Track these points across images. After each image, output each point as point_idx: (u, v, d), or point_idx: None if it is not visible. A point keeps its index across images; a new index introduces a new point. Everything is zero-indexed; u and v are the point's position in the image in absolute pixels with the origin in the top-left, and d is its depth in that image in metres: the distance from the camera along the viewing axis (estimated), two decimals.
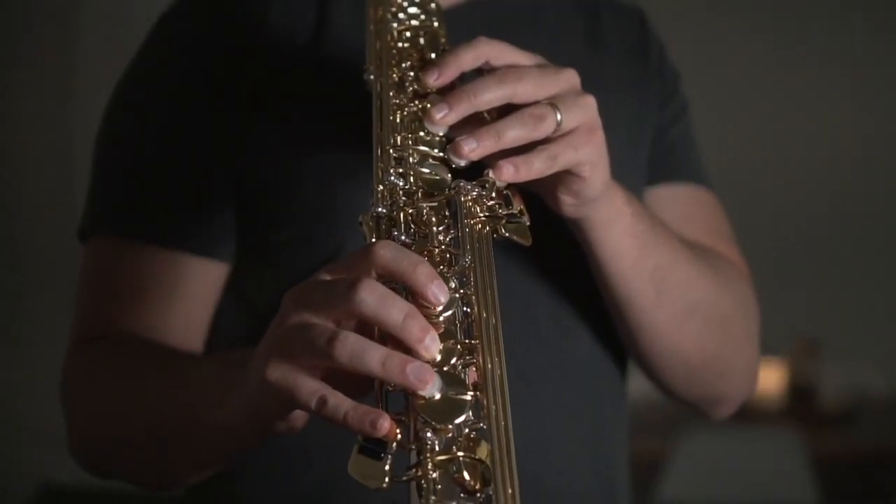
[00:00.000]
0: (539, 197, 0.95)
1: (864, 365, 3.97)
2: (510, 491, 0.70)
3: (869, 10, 4.16)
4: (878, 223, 4.23)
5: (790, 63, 4.22)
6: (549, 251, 1.01)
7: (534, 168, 0.87)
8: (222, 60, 1.09)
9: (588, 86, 0.93)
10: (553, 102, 0.88)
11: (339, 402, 0.74)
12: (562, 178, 0.92)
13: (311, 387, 0.75)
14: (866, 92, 4.25)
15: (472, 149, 0.86)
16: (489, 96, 0.88)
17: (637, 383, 1.16)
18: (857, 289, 4.18)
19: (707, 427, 3.25)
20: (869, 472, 3.58)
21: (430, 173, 0.86)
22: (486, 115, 0.90)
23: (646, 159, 1.15)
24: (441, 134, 0.88)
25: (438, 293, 0.75)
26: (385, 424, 0.72)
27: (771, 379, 3.65)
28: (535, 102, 0.89)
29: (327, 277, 0.77)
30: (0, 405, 3.99)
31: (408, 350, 0.74)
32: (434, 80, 0.90)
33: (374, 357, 0.73)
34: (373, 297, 0.73)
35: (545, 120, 0.88)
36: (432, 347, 0.74)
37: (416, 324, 0.73)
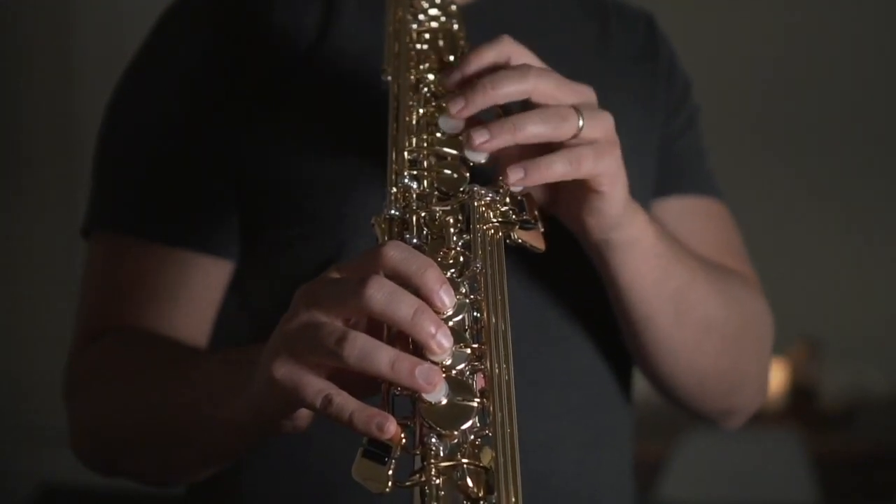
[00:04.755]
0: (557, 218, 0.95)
1: (864, 365, 3.97)
2: (513, 499, 0.70)
3: None
4: (879, 223, 4.23)
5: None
6: (559, 256, 1.00)
7: (554, 170, 0.85)
8: (225, 58, 1.08)
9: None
10: (575, 107, 0.87)
11: (345, 402, 0.73)
12: (584, 197, 0.90)
13: (317, 386, 0.75)
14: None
15: (483, 140, 0.84)
16: (509, 89, 0.86)
17: (638, 385, 1.16)
18: (858, 289, 4.18)
19: (707, 428, 3.25)
20: (869, 472, 3.58)
21: (447, 172, 0.85)
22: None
23: (653, 169, 1.14)
24: (455, 131, 0.87)
25: (446, 298, 0.74)
26: (391, 428, 0.71)
27: (771, 379, 3.65)
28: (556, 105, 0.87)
29: (336, 276, 0.77)
30: (0, 405, 3.98)
31: (417, 351, 0.74)
32: (457, 78, 0.89)
33: (384, 358, 0.72)
34: (382, 294, 0.73)
35: (568, 120, 0.86)
36: (444, 342, 0.73)
37: (426, 318, 0.73)
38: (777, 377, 3.72)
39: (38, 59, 4.11)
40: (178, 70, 1.10)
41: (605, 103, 0.90)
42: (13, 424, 3.97)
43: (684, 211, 1.16)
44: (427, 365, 0.72)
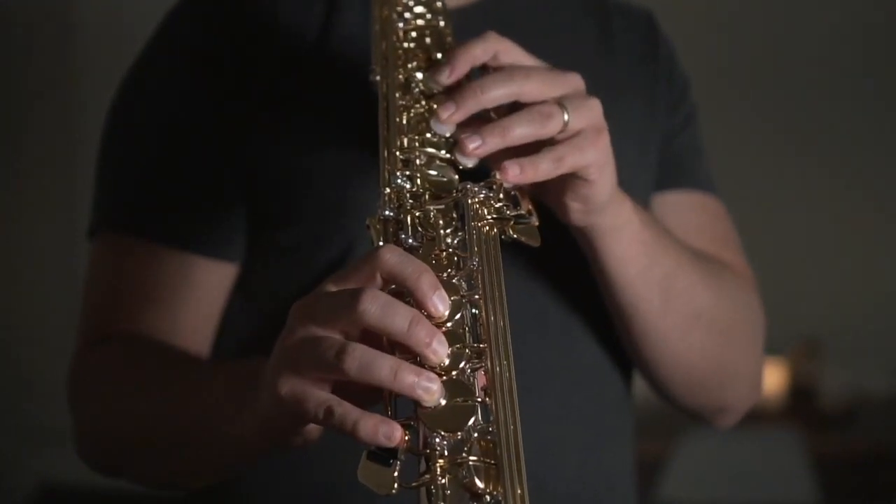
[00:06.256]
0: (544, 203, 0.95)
1: (864, 365, 3.97)
2: (519, 492, 0.70)
3: None
4: (880, 223, 4.23)
5: None
6: (557, 256, 1.00)
7: (540, 169, 0.87)
8: (230, 58, 1.08)
9: (598, 89, 0.92)
10: (560, 102, 0.88)
11: (347, 412, 0.73)
12: (569, 183, 0.91)
13: (318, 398, 0.75)
14: None
15: (476, 146, 0.86)
16: (497, 93, 0.87)
17: (638, 384, 1.16)
18: (858, 289, 4.18)
19: (707, 428, 3.25)
20: (869, 472, 3.58)
21: (436, 175, 0.85)
22: (492, 114, 0.89)
23: (654, 164, 1.14)
24: (448, 134, 0.88)
25: (439, 304, 0.75)
26: (397, 435, 0.72)
27: (771, 379, 3.65)
28: (542, 102, 0.88)
29: (332, 288, 0.77)
30: (0, 405, 3.99)
31: (417, 355, 0.74)
32: (446, 77, 0.90)
33: (384, 368, 0.73)
34: (376, 307, 0.73)
35: (553, 118, 0.87)
36: (440, 350, 0.74)
37: (421, 329, 0.73)
38: (777, 377, 3.72)
39: (39, 59, 4.11)
40: (181, 71, 1.10)
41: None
42: (13, 424, 3.97)
43: (679, 205, 1.16)
44: (425, 374, 0.73)
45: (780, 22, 4.21)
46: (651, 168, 1.14)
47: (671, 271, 1.03)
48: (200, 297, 1.07)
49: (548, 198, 0.95)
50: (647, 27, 1.19)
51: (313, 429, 0.82)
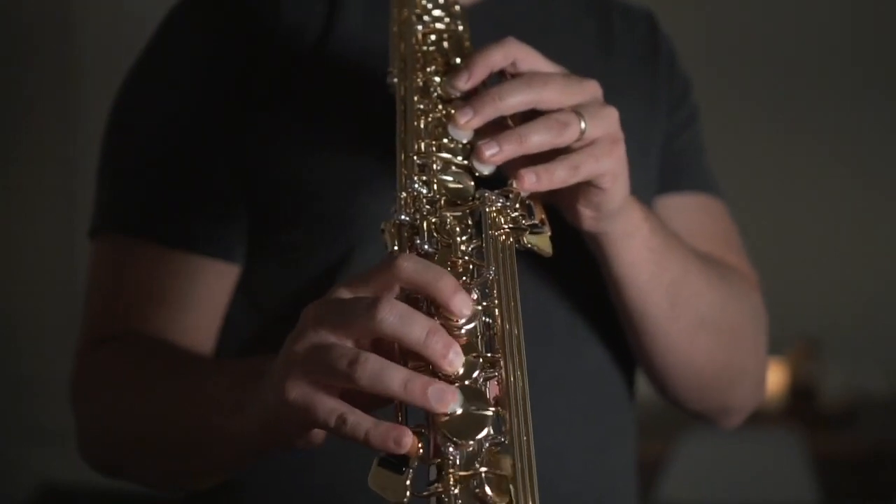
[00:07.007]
0: (555, 207, 0.95)
1: (864, 365, 3.97)
2: None
3: None
4: (880, 223, 4.23)
5: None
6: (565, 259, 1.00)
7: (555, 177, 0.87)
8: (231, 58, 1.08)
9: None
10: (577, 111, 0.88)
11: (359, 421, 0.73)
12: (582, 190, 0.91)
13: (329, 406, 0.75)
14: None
15: (493, 153, 0.85)
16: (515, 100, 0.87)
17: (638, 384, 1.16)
18: (858, 288, 4.18)
19: (707, 428, 3.25)
20: (869, 472, 3.58)
21: (453, 181, 0.85)
22: (509, 122, 0.89)
23: (655, 165, 1.15)
24: (465, 140, 0.87)
25: (462, 305, 0.75)
26: (408, 441, 0.72)
27: (771, 379, 3.63)
28: (559, 110, 0.88)
29: (346, 294, 0.77)
30: (0, 405, 3.98)
31: (430, 364, 0.74)
32: (464, 82, 0.89)
33: (396, 379, 0.72)
34: (393, 316, 0.73)
35: (570, 126, 0.87)
36: (456, 362, 0.73)
37: (438, 339, 0.73)
38: (777, 377, 3.72)
39: (39, 59, 4.10)
40: (183, 71, 1.10)
41: (609, 103, 0.91)
42: (13, 424, 3.97)
43: (682, 208, 1.17)
44: (439, 384, 0.72)
45: (781, 21, 4.20)
46: (652, 169, 1.14)
47: (679, 277, 1.03)
48: (202, 297, 1.07)
49: (560, 203, 0.95)
50: (648, 27, 1.19)
51: (318, 432, 0.81)
